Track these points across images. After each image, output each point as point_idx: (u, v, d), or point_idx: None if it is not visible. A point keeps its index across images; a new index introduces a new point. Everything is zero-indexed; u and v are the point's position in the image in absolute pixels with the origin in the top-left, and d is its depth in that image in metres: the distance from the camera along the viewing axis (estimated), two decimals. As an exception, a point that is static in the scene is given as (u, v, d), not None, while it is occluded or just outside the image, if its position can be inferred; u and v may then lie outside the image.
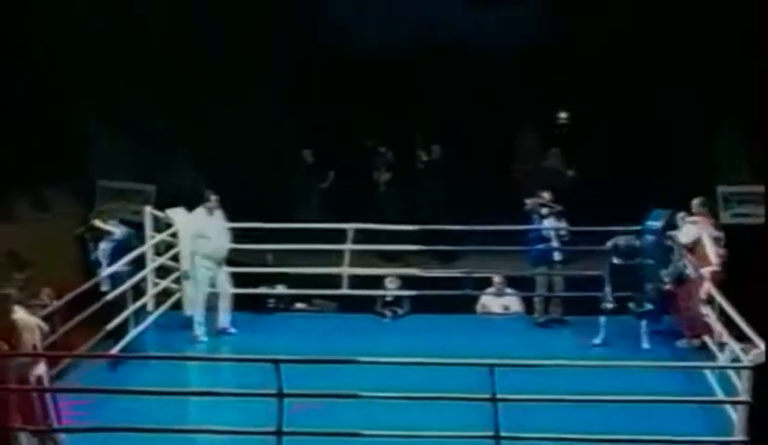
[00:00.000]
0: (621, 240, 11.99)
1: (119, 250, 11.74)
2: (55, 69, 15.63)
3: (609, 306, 11.95)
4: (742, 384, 8.53)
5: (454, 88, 16.44)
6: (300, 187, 16.60)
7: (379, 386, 8.64)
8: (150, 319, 12.74)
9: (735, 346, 9.92)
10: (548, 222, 12.91)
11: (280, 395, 8.37)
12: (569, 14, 15.70)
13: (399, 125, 16.89)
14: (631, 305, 11.92)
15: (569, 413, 8.74)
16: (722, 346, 10.53)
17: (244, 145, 16.06)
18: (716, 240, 11.90)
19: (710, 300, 11.08)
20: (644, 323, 11.92)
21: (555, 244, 12.90)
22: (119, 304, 11.49)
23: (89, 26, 15.32)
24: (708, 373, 10.22)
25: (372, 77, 16.59)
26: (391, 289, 13.85)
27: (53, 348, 9.80)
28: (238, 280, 13.20)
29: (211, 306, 12.73)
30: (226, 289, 12.79)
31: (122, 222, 15.12)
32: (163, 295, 13.15)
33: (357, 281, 13.72)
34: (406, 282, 13.93)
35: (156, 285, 13.05)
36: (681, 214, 12.17)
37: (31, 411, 8.63)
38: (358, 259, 13.83)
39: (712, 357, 10.79)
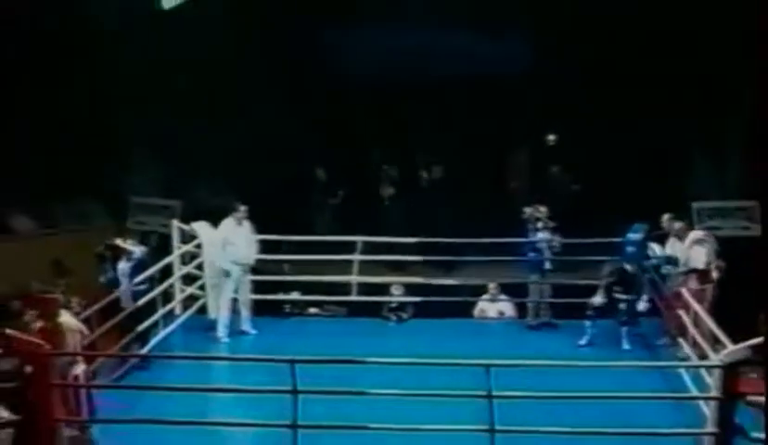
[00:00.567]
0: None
1: (137, 269, 11.60)
2: (98, 99, 15.68)
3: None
4: (714, 381, 8.51)
5: (454, 111, 16.43)
6: (314, 203, 16.61)
7: (385, 384, 8.63)
8: (178, 322, 12.78)
9: (706, 346, 9.93)
10: (542, 235, 12.95)
11: (295, 392, 8.40)
12: (561, 44, 15.69)
13: (403, 145, 16.89)
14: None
15: (558, 408, 8.76)
16: (695, 346, 10.54)
17: (263, 164, 16.08)
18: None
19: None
20: (624, 328, 11.97)
21: (546, 254, 12.95)
22: (137, 317, 11.41)
23: (129, 56, 15.33)
24: (683, 371, 10.23)
25: (378, 103, 16.59)
26: (396, 296, 13.88)
27: (89, 349, 9.83)
28: (258, 287, 13.26)
29: (234, 310, 12.78)
30: (247, 295, 12.84)
31: (149, 234, 15.39)
32: (190, 299, 13.18)
33: (365, 288, 13.74)
34: (410, 289, 13.96)
35: (182, 291, 13.08)
36: (671, 241, 12.20)
37: (71, 406, 8.69)
38: (366, 268, 13.84)
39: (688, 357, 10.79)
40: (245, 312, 12.85)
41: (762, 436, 8.29)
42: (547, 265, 13.07)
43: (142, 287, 11.63)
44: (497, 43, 16.14)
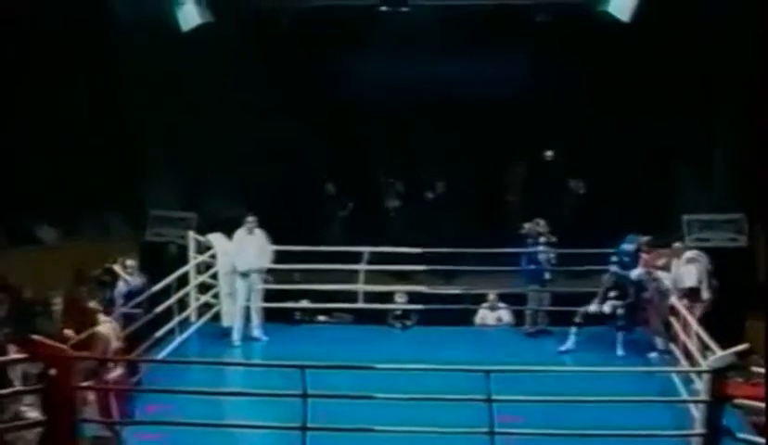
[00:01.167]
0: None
1: (132, 295, 11.57)
2: (126, 121, 15.79)
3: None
4: (703, 385, 8.52)
5: (456, 129, 16.47)
6: (324, 215, 16.66)
7: (390, 388, 8.63)
8: (193, 329, 12.81)
9: (696, 352, 9.94)
10: (541, 248, 12.96)
11: (304, 395, 8.42)
12: (556, 65, 15.74)
13: (407, 161, 16.94)
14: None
15: (555, 411, 8.75)
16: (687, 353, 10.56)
17: (276, 179, 16.14)
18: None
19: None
20: (620, 334, 11.97)
21: (545, 266, 12.95)
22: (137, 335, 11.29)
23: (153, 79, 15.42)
24: (674, 376, 10.24)
25: (385, 122, 16.64)
26: (401, 304, 13.90)
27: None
28: (269, 295, 13.29)
29: (246, 317, 12.80)
30: (258, 303, 12.88)
31: (167, 244, 15.44)
32: (205, 307, 13.21)
33: (371, 297, 13.77)
34: (414, 297, 13.98)
35: (198, 299, 13.12)
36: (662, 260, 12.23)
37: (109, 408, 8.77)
38: (372, 277, 13.87)
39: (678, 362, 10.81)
40: (256, 320, 12.88)
41: (748, 437, 8.35)
42: (546, 275, 13.10)
43: (135, 312, 11.48)
44: (496, 64, 16.19)
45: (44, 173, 15.46)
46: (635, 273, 11.92)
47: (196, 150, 15.87)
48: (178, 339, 12.24)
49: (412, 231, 15.80)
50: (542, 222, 13.10)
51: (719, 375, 8.20)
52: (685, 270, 11.98)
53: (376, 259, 13.98)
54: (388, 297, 14.01)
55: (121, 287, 11.68)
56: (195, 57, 14.76)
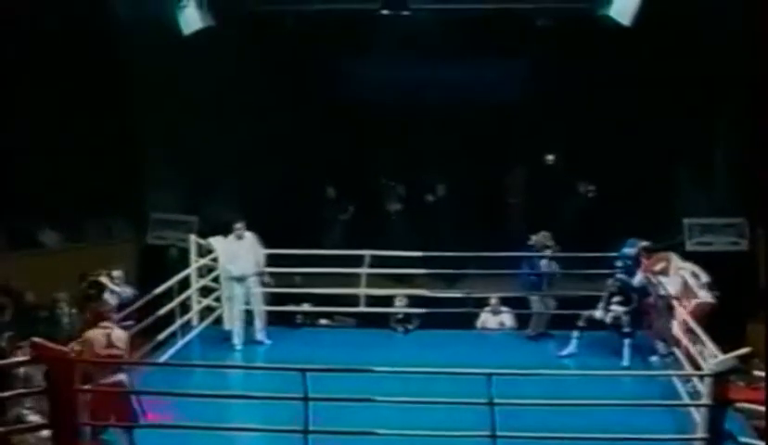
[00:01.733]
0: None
1: (121, 307, 11.15)
2: (127, 123, 15.81)
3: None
4: (705, 389, 8.52)
5: (457, 133, 16.49)
6: (325, 219, 16.66)
7: (392, 391, 8.65)
8: (195, 332, 12.81)
9: (698, 356, 9.93)
10: (545, 261, 12.92)
11: (306, 399, 8.43)
12: (557, 68, 15.76)
13: (408, 164, 16.95)
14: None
15: (557, 415, 8.75)
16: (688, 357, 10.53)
17: (277, 182, 16.15)
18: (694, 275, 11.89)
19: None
20: (626, 341, 11.90)
21: (547, 276, 12.96)
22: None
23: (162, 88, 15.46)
24: (675, 380, 10.24)
25: (386, 125, 16.65)
26: (402, 307, 13.90)
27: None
28: (271, 299, 13.28)
29: (248, 321, 12.81)
30: (260, 306, 12.88)
31: (168, 247, 15.42)
32: (206, 311, 13.20)
33: (373, 300, 13.72)
34: (416, 301, 13.96)
35: (199, 302, 13.11)
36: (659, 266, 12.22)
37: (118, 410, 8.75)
38: (373, 281, 13.85)
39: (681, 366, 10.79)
40: (259, 323, 12.88)
41: (750, 441, 8.35)
42: (546, 286, 13.09)
43: (126, 324, 10.89)
44: (497, 67, 16.22)
45: (45, 176, 15.47)
46: (637, 280, 11.90)
47: (197, 153, 15.90)
48: (180, 343, 12.23)
49: (413, 234, 15.81)
50: (548, 234, 13.05)
51: (721, 379, 8.20)
52: (670, 279, 11.90)
53: (377, 262, 13.95)
54: (389, 300, 13.99)
55: (109, 299, 11.22)
56: (196, 60, 14.78)
